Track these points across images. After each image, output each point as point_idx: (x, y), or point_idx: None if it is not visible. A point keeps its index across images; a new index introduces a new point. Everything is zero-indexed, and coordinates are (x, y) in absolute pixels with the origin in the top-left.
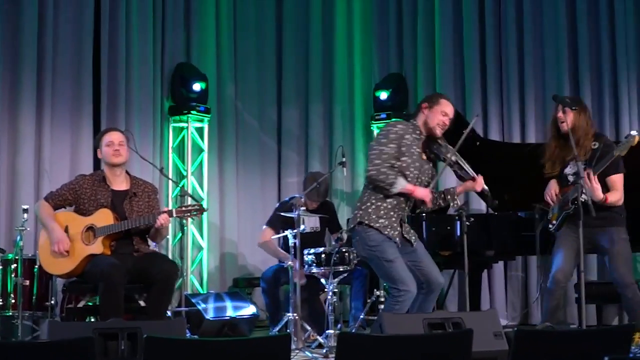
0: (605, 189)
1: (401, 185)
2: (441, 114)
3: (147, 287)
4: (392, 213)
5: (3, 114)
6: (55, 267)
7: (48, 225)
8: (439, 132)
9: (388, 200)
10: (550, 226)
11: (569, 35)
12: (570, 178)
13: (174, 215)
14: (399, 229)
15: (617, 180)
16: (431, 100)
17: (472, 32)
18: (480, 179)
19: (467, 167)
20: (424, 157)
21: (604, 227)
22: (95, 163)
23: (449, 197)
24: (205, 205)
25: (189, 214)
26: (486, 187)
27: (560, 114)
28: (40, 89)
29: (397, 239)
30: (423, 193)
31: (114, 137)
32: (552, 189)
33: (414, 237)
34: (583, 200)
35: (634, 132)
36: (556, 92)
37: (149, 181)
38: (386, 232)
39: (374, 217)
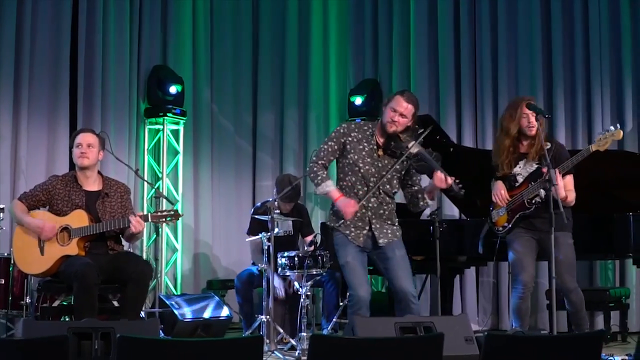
0: None
1: (328, 188)
2: (390, 110)
3: (121, 287)
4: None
5: None
6: (30, 266)
7: (24, 221)
8: (389, 128)
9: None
10: (498, 229)
11: (543, 42)
12: (520, 178)
13: (150, 220)
14: (366, 228)
15: (571, 180)
16: (388, 98)
17: (447, 40)
18: (438, 175)
19: (431, 160)
20: (381, 153)
21: (553, 232)
22: (71, 164)
23: (419, 195)
24: (180, 207)
25: (164, 220)
26: (450, 181)
27: (533, 120)
28: (17, 90)
29: (361, 238)
30: (344, 203)
31: (83, 139)
32: (502, 189)
33: (384, 240)
34: (540, 200)
35: (612, 128)
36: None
37: (124, 182)
38: (346, 233)
39: (334, 217)
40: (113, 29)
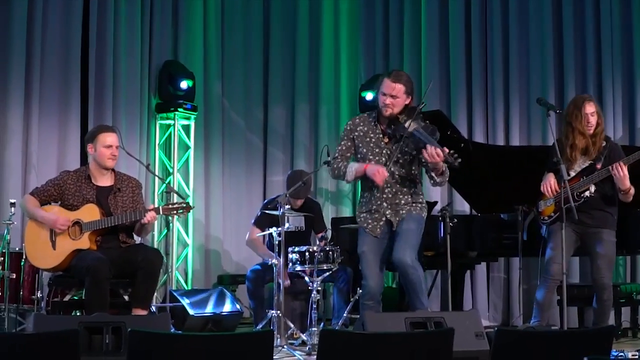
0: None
1: (353, 168)
2: (381, 95)
3: (131, 279)
4: (370, 205)
5: None
6: (42, 261)
7: (37, 215)
8: (385, 112)
9: (365, 194)
10: (544, 218)
11: (555, 37)
12: (572, 173)
13: (161, 212)
14: (382, 220)
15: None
16: (378, 83)
17: (458, 35)
18: (428, 150)
19: (425, 134)
20: (386, 140)
21: (598, 227)
22: (82, 158)
23: (429, 174)
24: (191, 203)
25: (175, 212)
26: (441, 155)
27: (592, 119)
28: (28, 85)
29: (378, 230)
30: (373, 169)
31: (114, 139)
32: (552, 180)
33: (397, 219)
34: (590, 195)
35: None
36: (541, 93)
37: (135, 177)
38: (364, 226)
39: (358, 213)
40: (124, 24)
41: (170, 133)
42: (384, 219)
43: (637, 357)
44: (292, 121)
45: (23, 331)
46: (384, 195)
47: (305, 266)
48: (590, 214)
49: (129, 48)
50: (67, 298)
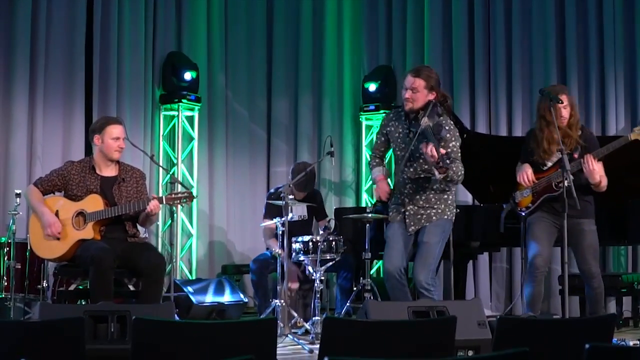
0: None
1: (374, 175)
2: (403, 90)
3: (136, 275)
4: (397, 195)
5: None
6: (46, 251)
7: (38, 210)
8: (406, 107)
9: (395, 185)
10: (521, 210)
11: (557, 27)
12: (549, 163)
13: (164, 202)
14: (402, 210)
15: (602, 167)
16: None
17: (461, 25)
18: (428, 149)
19: (430, 133)
20: (412, 135)
21: (579, 218)
22: (87, 149)
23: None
24: (195, 193)
25: (178, 201)
26: (435, 157)
27: (564, 112)
28: (33, 76)
29: (398, 217)
30: (377, 187)
31: (121, 131)
32: (529, 171)
33: (414, 228)
34: (566, 185)
35: None
36: (544, 85)
37: (139, 168)
38: (390, 214)
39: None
40: (128, 15)
41: (174, 124)
42: (402, 212)
43: (638, 345)
44: (295, 112)
45: (29, 319)
46: (406, 191)
47: (309, 256)
48: (569, 204)
49: (133, 39)
50: (72, 287)
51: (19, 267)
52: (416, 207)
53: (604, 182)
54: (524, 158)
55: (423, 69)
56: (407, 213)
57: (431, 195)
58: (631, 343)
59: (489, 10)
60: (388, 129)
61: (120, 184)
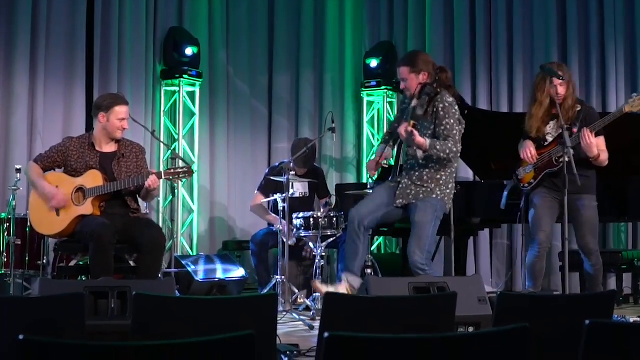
0: None
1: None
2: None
3: (136, 251)
4: (399, 169)
5: None
6: (46, 227)
7: (38, 185)
8: (407, 94)
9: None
10: (524, 185)
11: (558, 6)
12: (549, 138)
13: (163, 177)
14: (398, 180)
15: (603, 141)
16: None
17: (463, 2)
18: (402, 126)
19: (410, 113)
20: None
21: (579, 194)
22: (87, 124)
23: None
24: (195, 169)
25: (177, 176)
26: (403, 133)
27: (561, 89)
28: (34, 52)
29: (392, 184)
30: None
31: (126, 111)
32: (531, 147)
33: (401, 201)
34: (567, 160)
35: None
36: (545, 60)
37: (141, 143)
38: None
39: None
40: None
41: (176, 100)
42: (399, 181)
43: (638, 322)
44: (297, 88)
45: (29, 295)
46: (405, 166)
47: (310, 232)
48: (569, 179)
49: (134, 15)
50: (72, 263)
51: (19, 243)
52: (409, 182)
53: (604, 156)
54: (526, 134)
55: (406, 56)
56: (400, 185)
57: (424, 173)
58: (631, 320)
59: None
60: (402, 107)
61: (119, 159)
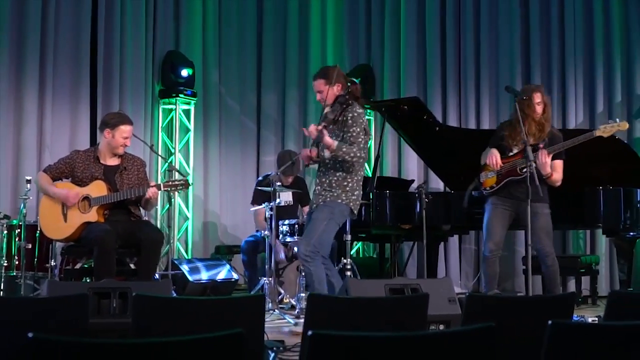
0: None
1: None
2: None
3: (136, 251)
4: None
5: (9, 94)
6: (55, 232)
7: (50, 191)
8: (323, 104)
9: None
10: (485, 189)
11: (522, 30)
12: (515, 149)
13: (162, 188)
14: (316, 190)
15: (560, 164)
16: None
17: (434, 29)
18: (311, 127)
19: (321, 120)
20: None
21: (534, 202)
22: (92, 139)
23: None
24: (190, 180)
25: (175, 188)
26: (314, 132)
27: (538, 108)
28: (42, 72)
29: (314, 199)
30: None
31: (130, 130)
32: (497, 155)
33: (314, 205)
34: (529, 171)
35: (618, 119)
36: (509, 81)
37: (140, 157)
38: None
39: None
40: (130, 16)
41: (172, 117)
42: (316, 190)
43: (596, 322)
44: (283, 106)
45: (38, 296)
46: (318, 173)
47: (295, 237)
48: (524, 188)
49: (135, 39)
50: (78, 266)
51: (29, 247)
52: (320, 188)
53: (556, 177)
54: (492, 144)
55: (321, 70)
56: (316, 191)
57: (333, 180)
58: (590, 319)
59: (459, 14)
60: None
61: (122, 172)
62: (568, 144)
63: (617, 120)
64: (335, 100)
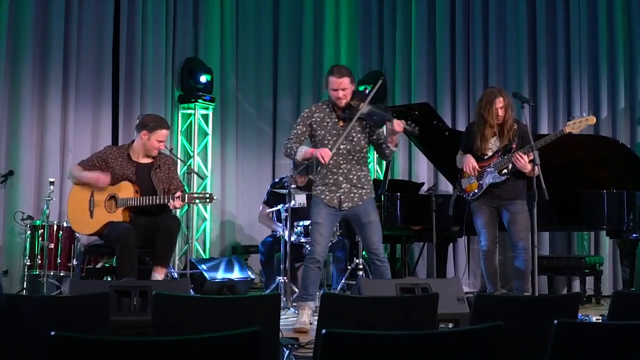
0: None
1: (303, 149)
2: (332, 91)
3: (154, 245)
4: (326, 179)
5: (33, 100)
6: (81, 226)
7: (82, 176)
8: (340, 104)
9: (322, 170)
10: (468, 195)
11: (529, 38)
12: (489, 152)
13: (186, 200)
14: (338, 192)
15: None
16: (325, 81)
17: (444, 36)
18: (396, 121)
19: (382, 112)
20: (342, 123)
21: (512, 200)
22: (113, 142)
23: (384, 145)
24: (208, 181)
25: (197, 202)
26: (402, 125)
27: (500, 112)
28: (65, 78)
29: (335, 201)
30: (320, 152)
31: (166, 134)
32: (473, 161)
33: (348, 204)
34: (509, 171)
35: (585, 114)
36: (516, 87)
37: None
38: (322, 197)
39: (313, 187)
40: (151, 24)
41: (191, 121)
42: (339, 191)
43: (600, 321)
44: (298, 111)
45: (60, 294)
46: (340, 170)
47: (309, 238)
48: (503, 188)
49: (155, 46)
50: (99, 265)
51: (52, 247)
52: (350, 186)
53: (537, 170)
54: (465, 148)
55: (342, 68)
56: (342, 191)
57: (360, 174)
58: (594, 318)
59: (469, 22)
60: (313, 120)
61: (156, 170)
62: (540, 144)
63: (584, 114)
64: (353, 97)
